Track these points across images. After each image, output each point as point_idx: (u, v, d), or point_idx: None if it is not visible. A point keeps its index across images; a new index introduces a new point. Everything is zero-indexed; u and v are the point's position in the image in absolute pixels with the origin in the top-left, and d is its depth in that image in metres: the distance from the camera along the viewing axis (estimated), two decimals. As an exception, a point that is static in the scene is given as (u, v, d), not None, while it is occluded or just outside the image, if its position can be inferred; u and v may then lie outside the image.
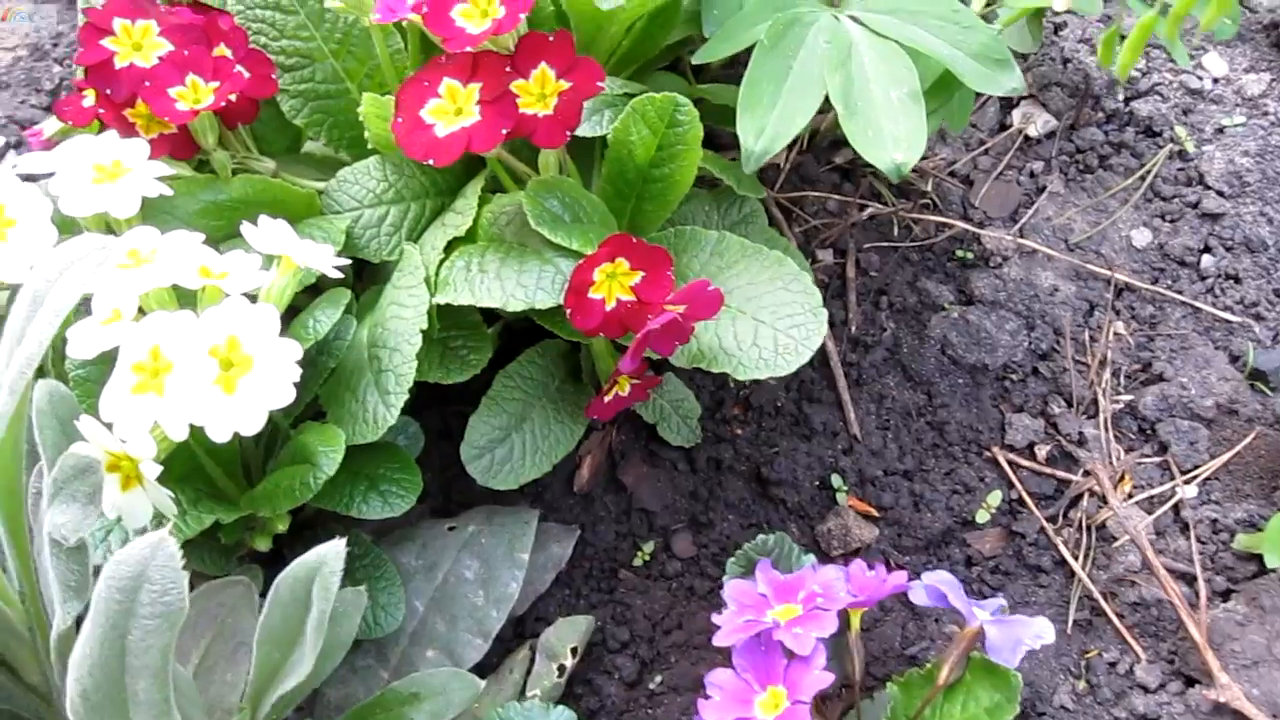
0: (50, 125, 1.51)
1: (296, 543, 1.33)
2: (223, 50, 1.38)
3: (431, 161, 1.22)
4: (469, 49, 1.18)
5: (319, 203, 1.48)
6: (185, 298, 1.20)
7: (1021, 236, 1.80)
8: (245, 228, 1.25)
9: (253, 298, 1.19)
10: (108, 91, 1.32)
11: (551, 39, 1.24)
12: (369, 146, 1.47)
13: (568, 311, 1.24)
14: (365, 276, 1.53)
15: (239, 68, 1.38)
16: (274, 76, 1.42)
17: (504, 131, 1.21)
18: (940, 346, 1.70)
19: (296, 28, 1.48)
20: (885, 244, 1.79)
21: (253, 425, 1.12)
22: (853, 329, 1.72)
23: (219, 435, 1.11)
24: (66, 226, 1.25)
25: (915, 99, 1.28)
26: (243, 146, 1.48)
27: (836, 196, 1.81)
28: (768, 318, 1.35)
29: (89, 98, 1.43)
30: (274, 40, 1.48)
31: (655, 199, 1.42)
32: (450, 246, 1.38)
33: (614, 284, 1.26)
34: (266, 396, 1.12)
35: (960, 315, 1.72)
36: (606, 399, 1.39)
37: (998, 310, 1.72)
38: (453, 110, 1.24)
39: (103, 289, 1.17)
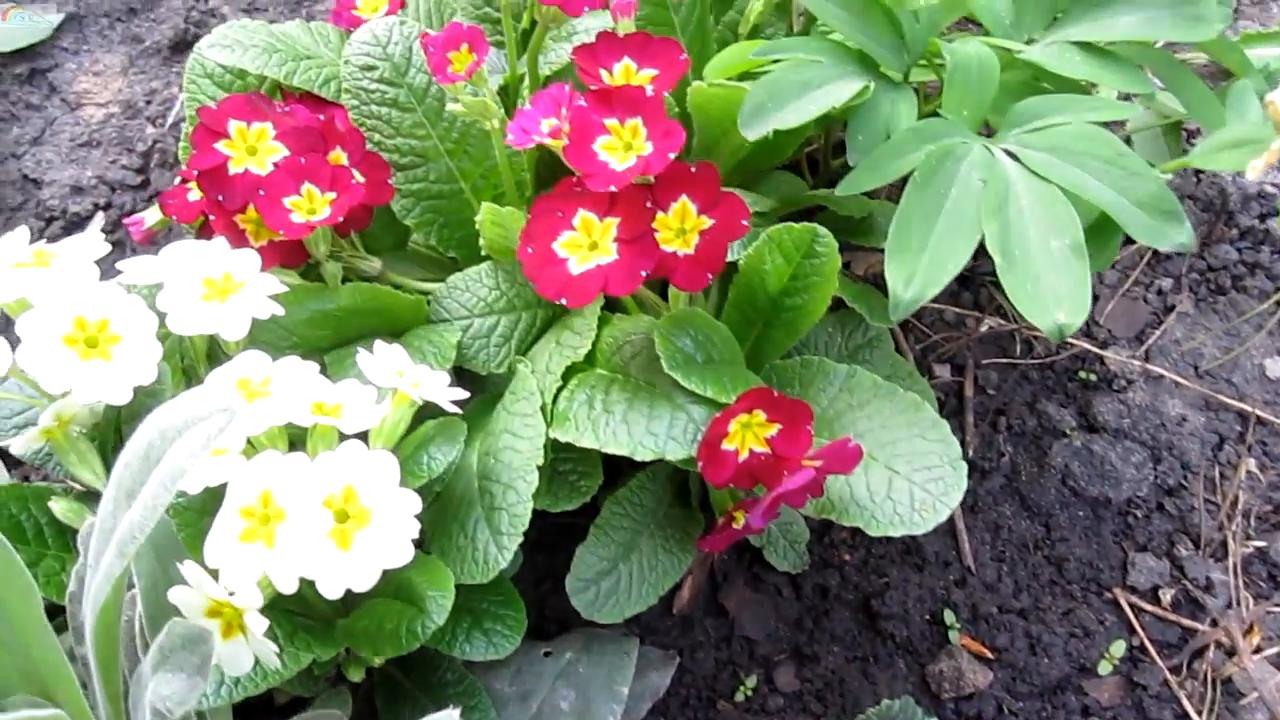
0: (151, 215, 1.45)
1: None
2: (339, 155, 1.31)
3: (564, 300, 1.14)
4: (612, 188, 1.10)
5: (426, 308, 1.42)
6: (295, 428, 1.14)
7: (1148, 360, 1.71)
8: (361, 357, 1.18)
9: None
10: (219, 198, 1.25)
11: (694, 169, 1.17)
12: (482, 253, 1.41)
13: (699, 464, 1.17)
14: (464, 379, 1.46)
15: (355, 172, 1.31)
16: (390, 181, 1.34)
17: (643, 274, 1.13)
18: (1061, 476, 1.61)
19: (413, 126, 1.41)
20: (1005, 360, 1.71)
21: (367, 582, 1.05)
22: (969, 452, 1.64)
23: (331, 591, 1.05)
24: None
25: (1078, 252, 1.19)
26: (349, 245, 1.42)
27: (954, 308, 1.73)
28: (903, 468, 1.27)
29: (194, 192, 1.37)
30: (389, 138, 1.41)
31: (784, 327, 1.34)
32: (568, 372, 1.30)
33: (748, 434, 1.18)
34: (384, 554, 1.05)
35: (1083, 443, 1.63)
36: (721, 534, 1.31)
37: (1122, 440, 1.63)
38: (587, 244, 1.17)
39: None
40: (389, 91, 1.40)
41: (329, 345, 1.36)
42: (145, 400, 1.21)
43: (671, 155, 1.10)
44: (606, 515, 1.39)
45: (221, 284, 1.21)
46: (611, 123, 1.13)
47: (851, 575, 1.56)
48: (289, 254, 1.28)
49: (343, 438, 1.11)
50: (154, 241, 1.50)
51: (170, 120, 1.90)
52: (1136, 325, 1.75)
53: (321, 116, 1.41)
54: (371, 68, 1.39)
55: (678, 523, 1.44)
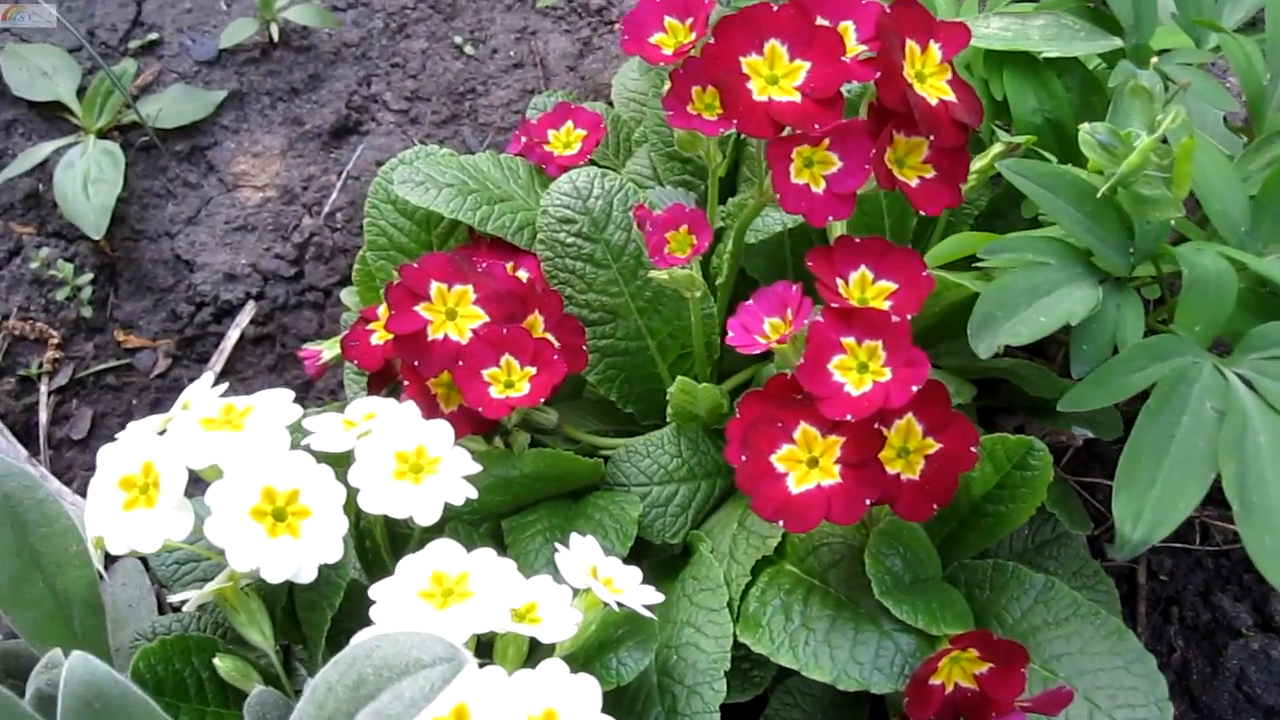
0: (328, 352, 1.41)
1: None
2: (536, 320, 1.26)
3: (781, 523, 1.08)
4: (849, 417, 1.04)
5: (603, 469, 1.37)
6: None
7: (1333, 558, 1.62)
8: (560, 557, 1.13)
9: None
10: (415, 363, 1.20)
11: (922, 387, 1.10)
12: (666, 416, 1.36)
13: (903, 700, 1.10)
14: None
15: (551, 337, 1.26)
16: (585, 347, 1.29)
17: (867, 502, 1.07)
18: (1235, 679, 1.54)
19: (606, 282, 1.36)
20: (1179, 545, 1.63)
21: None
22: (1140, 642, 1.56)
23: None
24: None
25: (1326, 507, 1.11)
26: (528, 397, 1.36)
27: (1130, 484, 1.65)
28: (1104, 702, 1.20)
29: (377, 334, 1.33)
30: (580, 293, 1.36)
31: (980, 531, 1.28)
32: (758, 565, 1.25)
33: (956, 669, 1.12)
34: (586, 784, 1.00)
35: (1260, 646, 1.55)
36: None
37: (1302, 646, 1.55)
38: (806, 459, 1.10)
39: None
40: (585, 247, 1.35)
41: (508, 510, 1.31)
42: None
43: (914, 388, 1.04)
44: (776, 705, 1.33)
45: (414, 460, 1.16)
46: (848, 341, 1.07)
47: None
48: (480, 422, 1.23)
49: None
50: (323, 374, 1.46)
51: (326, 209, 1.86)
52: (1321, 518, 1.66)
53: (510, 264, 1.36)
54: (570, 221, 1.34)
55: (846, 713, 1.38)
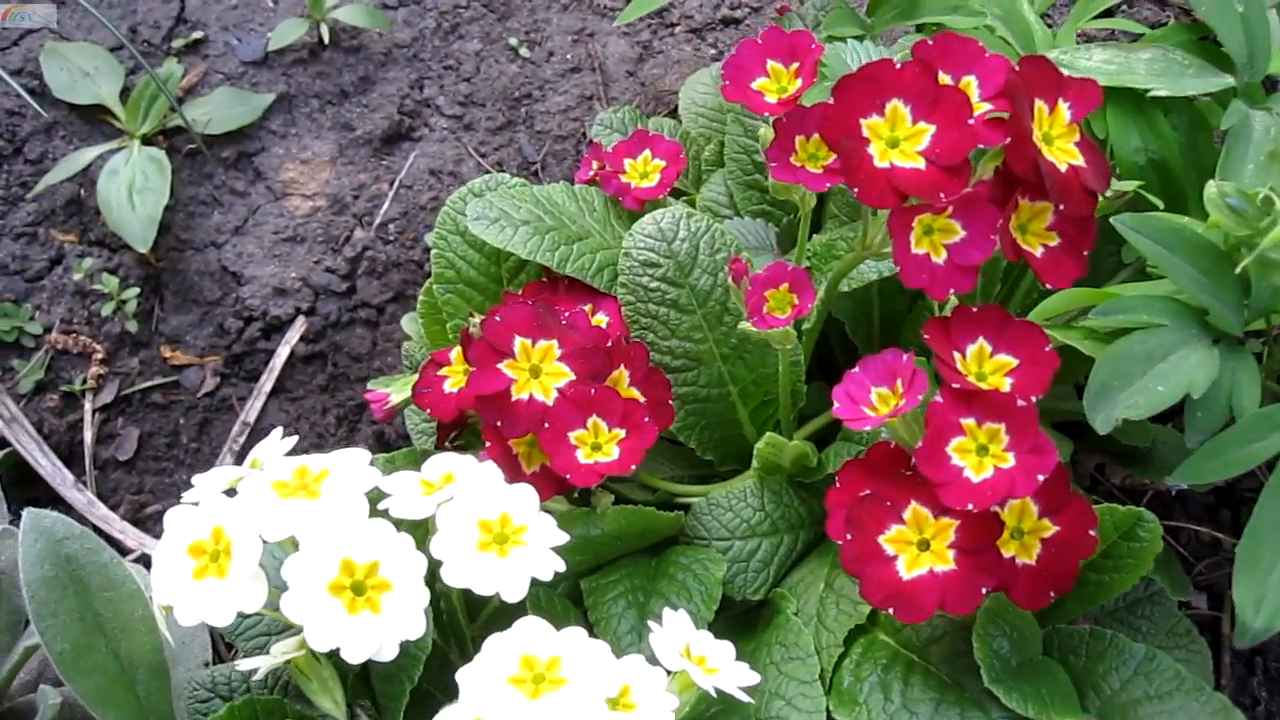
0: (396, 396, 1.35)
1: None
2: (621, 375, 1.20)
3: (892, 610, 1.02)
4: (970, 507, 0.98)
5: (681, 521, 1.31)
6: None
7: None
8: (655, 637, 1.08)
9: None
10: (498, 424, 1.14)
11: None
12: (751, 469, 1.30)
13: (1013, 792, 1.05)
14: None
15: (637, 392, 1.20)
16: (671, 401, 1.23)
17: (984, 591, 1.01)
18: (1323, 735, 1.49)
19: (690, 329, 1.30)
20: (1265, 592, 1.57)
21: None
22: (1224, 694, 1.51)
23: None
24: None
25: None
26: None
27: (1212, 530, 1.59)
28: (1211, 785, 1.15)
29: (451, 380, 1.27)
30: (663, 339, 1.30)
31: (1080, 599, 1.22)
32: (850, 635, 1.19)
33: (1066, 761, 1.07)
34: None
35: (1349, 700, 1.50)
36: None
37: (1393, 702, 1.50)
38: (916, 541, 1.04)
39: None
40: (670, 292, 1.28)
41: (587, 570, 1.25)
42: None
43: (1041, 477, 0.98)
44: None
45: (499, 529, 1.10)
46: (968, 422, 1.01)
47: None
48: (564, 484, 1.17)
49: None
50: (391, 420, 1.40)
51: (378, 220, 1.79)
52: None
53: (588, 306, 1.30)
54: (654, 265, 1.28)
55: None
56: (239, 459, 1.67)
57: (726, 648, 1.13)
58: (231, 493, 1.16)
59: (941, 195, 0.99)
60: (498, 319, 1.16)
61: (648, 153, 1.42)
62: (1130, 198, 1.25)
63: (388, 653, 1.06)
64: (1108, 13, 1.55)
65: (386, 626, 1.05)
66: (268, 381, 1.72)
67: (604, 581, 1.24)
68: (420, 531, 1.11)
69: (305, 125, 1.85)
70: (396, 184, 1.82)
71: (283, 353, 1.73)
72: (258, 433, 1.70)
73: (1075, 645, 1.26)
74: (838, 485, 1.12)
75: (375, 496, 1.13)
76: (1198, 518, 1.61)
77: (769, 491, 1.31)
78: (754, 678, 1.11)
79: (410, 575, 1.07)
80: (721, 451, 1.37)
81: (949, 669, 1.14)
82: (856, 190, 0.99)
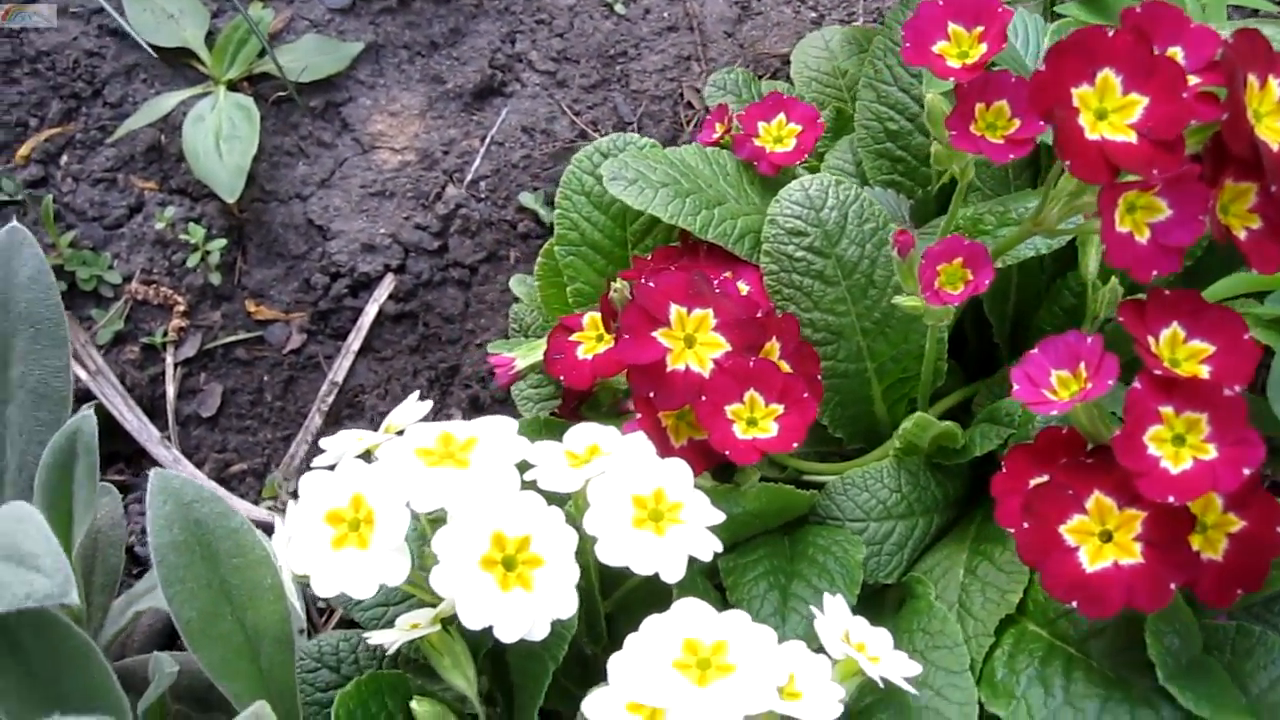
0: (522, 361, 1.29)
1: None
2: (772, 347, 1.15)
3: (1075, 604, 0.98)
4: (1171, 499, 0.94)
5: (813, 499, 1.27)
6: None
7: None
8: (820, 623, 1.04)
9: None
10: (650, 394, 1.09)
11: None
12: (890, 449, 1.26)
13: (1187, 796, 1.02)
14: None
15: (784, 364, 1.15)
16: (819, 376, 1.18)
17: (1173, 587, 0.97)
18: None
19: (834, 301, 1.25)
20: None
21: None
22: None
23: None
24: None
25: None
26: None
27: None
28: (1370, 791, 1.11)
29: (585, 346, 1.22)
30: (805, 311, 1.25)
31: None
32: (1001, 625, 1.15)
33: (1241, 765, 1.03)
34: None
35: None
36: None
37: None
38: (1098, 532, 1.00)
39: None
40: (816, 262, 1.23)
41: (725, 548, 1.20)
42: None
43: (1247, 471, 0.93)
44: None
45: (653, 505, 1.05)
46: (1165, 410, 0.96)
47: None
48: (714, 458, 1.12)
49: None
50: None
51: (469, 177, 1.73)
52: None
53: (728, 273, 1.25)
54: (801, 233, 1.23)
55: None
56: (328, 420, 1.62)
57: (883, 635, 1.09)
58: (367, 458, 1.11)
59: (1155, 171, 0.93)
60: (652, 285, 1.11)
61: (782, 116, 1.36)
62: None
63: (539, 631, 1.02)
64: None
65: (539, 604, 1.01)
66: (356, 340, 1.66)
67: (743, 561, 1.19)
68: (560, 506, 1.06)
69: (394, 76, 1.79)
70: (488, 140, 1.76)
71: (371, 311, 1.67)
72: (346, 393, 1.64)
73: (1220, 642, 1.21)
74: (1004, 471, 1.08)
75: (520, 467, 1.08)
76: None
77: (906, 472, 1.26)
78: (916, 667, 1.07)
79: (563, 551, 1.03)
80: (851, 429, 1.33)
81: (1113, 665, 1.10)
82: (1069, 163, 0.93)
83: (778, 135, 1.35)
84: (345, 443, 1.13)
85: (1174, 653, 1.07)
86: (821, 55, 1.61)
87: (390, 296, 1.67)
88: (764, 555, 1.21)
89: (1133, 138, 0.95)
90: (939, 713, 1.12)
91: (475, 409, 1.62)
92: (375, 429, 1.12)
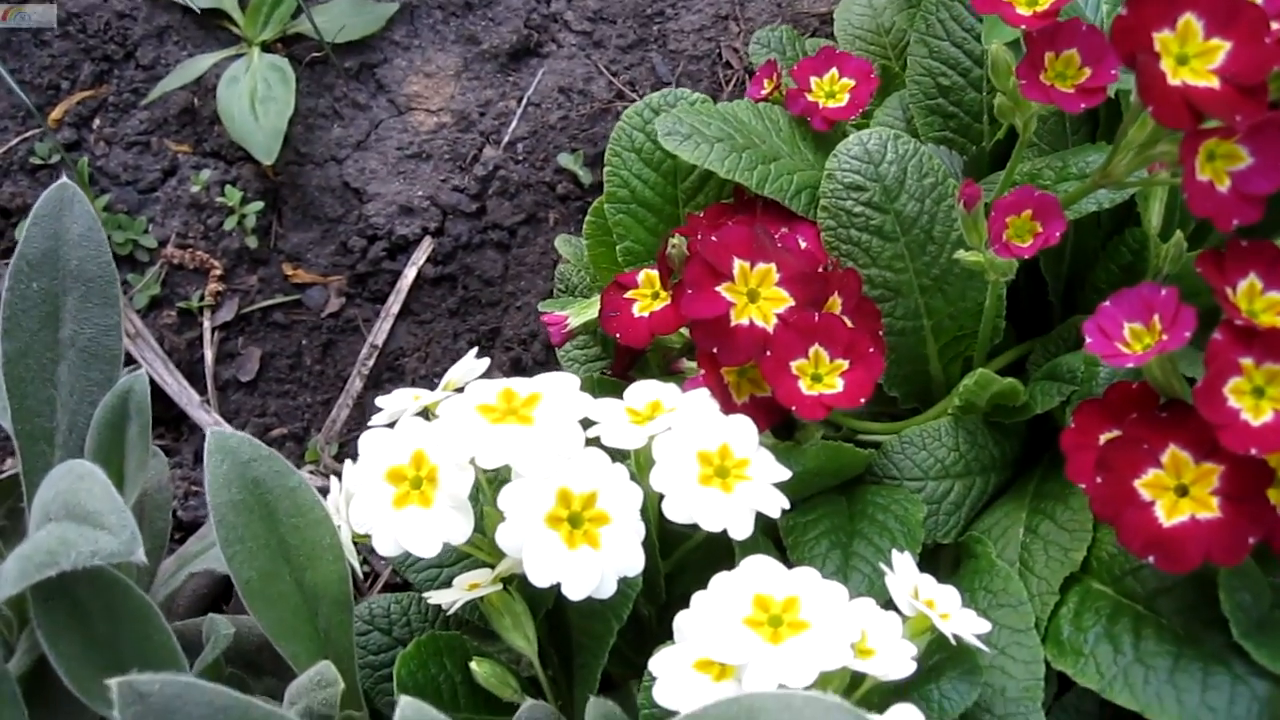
0: (576, 319, 1.28)
1: None
2: (835, 303, 1.13)
3: (1151, 559, 0.97)
4: (1254, 451, 0.92)
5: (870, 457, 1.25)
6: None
7: None
8: (891, 580, 1.02)
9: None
10: (714, 350, 1.08)
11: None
12: (949, 406, 1.24)
13: (1258, 753, 1.00)
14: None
15: (847, 319, 1.14)
16: (880, 332, 1.17)
17: (1251, 541, 0.96)
18: None
19: (893, 257, 1.23)
20: None
21: None
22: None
23: None
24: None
25: None
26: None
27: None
28: None
29: (641, 304, 1.20)
30: (863, 267, 1.23)
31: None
32: (1064, 584, 1.14)
33: (1316, 723, 1.01)
34: None
35: None
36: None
37: None
38: (1174, 486, 0.98)
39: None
40: (874, 218, 1.21)
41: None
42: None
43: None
44: (1055, 724, 1.23)
45: (719, 462, 1.04)
46: (1245, 362, 0.95)
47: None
48: (776, 415, 1.11)
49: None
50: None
51: (506, 139, 1.71)
52: None
53: (785, 229, 1.23)
54: (859, 188, 1.21)
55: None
56: (369, 383, 1.60)
57: (951, 592, 1.08)
58: (425, 415, 1.10)
59: (1237, 118, 0.91)
60: (714, 239, 1.09)
61: (834, 71, 1.34)
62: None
63: (606, 589, 1.01)
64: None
65: (606, 561, 1.00)
66: (395, 303, 1.64)
67: (804, 520, 1.18)
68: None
69: (429, 37, 1.77)
70: (525, 101, 1.74)
71: (410, 274, 1.66)
72: (386, 356, 1.63)
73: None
74: (1073, 426, 1.07)
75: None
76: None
77: (964, 431, 1.24)
78: (985, 625, 1.05)
79: (629, 507, 1.02)
80: (906, 388, 1.31)
81: (1183, 623, 1.09)
82: (1150, 108, 0.91)
83: (830, 90, 1.33)
84: (402, 401, 1.11)
85: (1246, 609, 1.06)
86: (865, 12, 1.58)
87: (429, 259, 1.65)
88: (824, 514, 1.19)
89: (1215, 83, 0.93)
90: (1004, 671, 1.11)
91: (518, 370, 1.61)
92: (417, 391, 1.10)
